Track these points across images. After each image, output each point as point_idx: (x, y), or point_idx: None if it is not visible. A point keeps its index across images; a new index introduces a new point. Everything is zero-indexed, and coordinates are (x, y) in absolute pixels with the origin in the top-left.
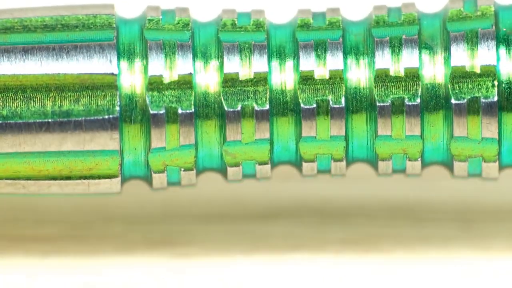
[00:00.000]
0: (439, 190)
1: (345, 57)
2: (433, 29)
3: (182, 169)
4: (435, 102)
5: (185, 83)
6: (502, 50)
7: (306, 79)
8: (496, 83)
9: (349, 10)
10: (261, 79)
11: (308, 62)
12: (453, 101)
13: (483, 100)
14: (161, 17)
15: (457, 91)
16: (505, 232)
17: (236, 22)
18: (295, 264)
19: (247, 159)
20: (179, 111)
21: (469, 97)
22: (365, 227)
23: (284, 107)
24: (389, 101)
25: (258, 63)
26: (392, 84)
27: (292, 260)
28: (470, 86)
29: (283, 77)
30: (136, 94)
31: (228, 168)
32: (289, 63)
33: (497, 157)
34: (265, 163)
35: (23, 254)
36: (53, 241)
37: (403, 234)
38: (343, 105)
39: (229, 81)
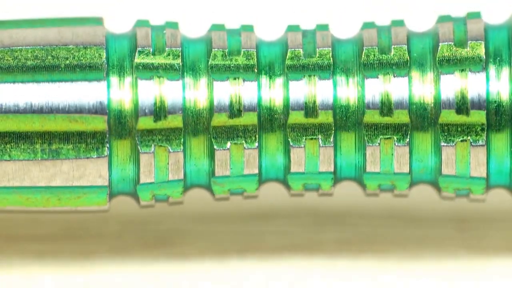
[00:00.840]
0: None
1: (335, 99)
2: (424, 62)
3: (170, 197)
4: (425, 143)
5: (175, 123)
6: (493, 92)
7: (296, 119)
8: (485, 127)
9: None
10: (250, 119)
11: (299, 101)
12: (442, 143)
13: (473, 144)
14: (151, 48)
15: (446, 134)
16: (500, 232)
17: (226, 53)
18: (290, 264)
19: (235, 188)
20: (169, 149)
21: (458, 140)
22: (360, 227)
23: (273, 145)
24: (378, 142)
25: (248, 102)
26: (382, 125)
27: (287, 259)
28: (459, 129)
29: (273, 116)
30: (126, 134)
31: (216, 194)
32: (279, 102)
33: (484, 190)
34: (253, 192)
35: (19, 254)
36: (48, 241)
37: (398, 234)
38: (332, 144)
39: (219, 120)
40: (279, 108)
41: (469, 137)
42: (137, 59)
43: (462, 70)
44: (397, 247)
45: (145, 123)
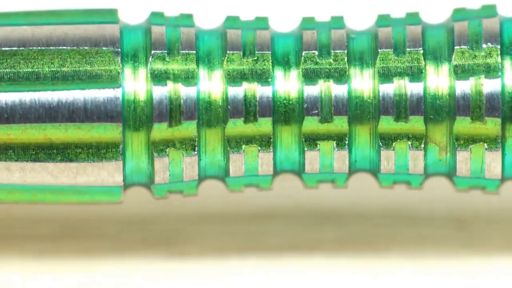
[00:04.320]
0: (435, 189)
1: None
2: (439, 66)
3: (184, 193)
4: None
5: (190, 130)
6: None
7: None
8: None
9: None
10: (265, 123)
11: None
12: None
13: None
14: (166, 52)
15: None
16: (500, 231)
17: (241, 56)
18: (290, 264)
19: (249, 186)
20: (183, 154)
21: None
22: (360, 226)
23: (288, 146)
24: (393, 147)
25: (263, 106)
26: (397, 130)
27: (287, 259)
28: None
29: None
30: (141, 141)
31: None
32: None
33: (499, 187)
34: (267, 187)
35: (19, 254)
36: (49, 240)
37: (399, 233)
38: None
39: (234, 125)
40: (295, 109)
41: (484, 143)
42: (152, 65)
43: (478, 78)
44: (396, 246)
45: (160, 129)
